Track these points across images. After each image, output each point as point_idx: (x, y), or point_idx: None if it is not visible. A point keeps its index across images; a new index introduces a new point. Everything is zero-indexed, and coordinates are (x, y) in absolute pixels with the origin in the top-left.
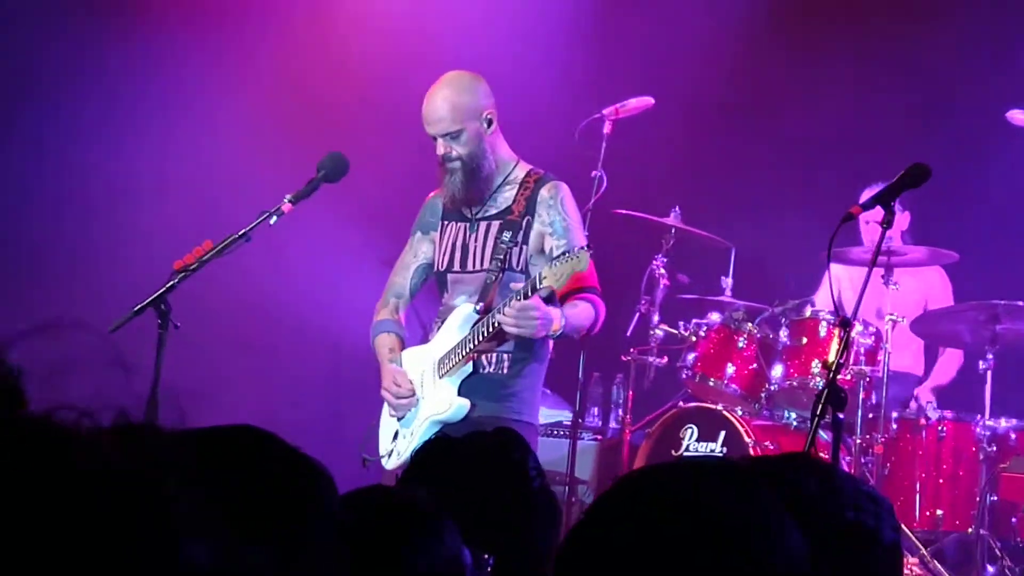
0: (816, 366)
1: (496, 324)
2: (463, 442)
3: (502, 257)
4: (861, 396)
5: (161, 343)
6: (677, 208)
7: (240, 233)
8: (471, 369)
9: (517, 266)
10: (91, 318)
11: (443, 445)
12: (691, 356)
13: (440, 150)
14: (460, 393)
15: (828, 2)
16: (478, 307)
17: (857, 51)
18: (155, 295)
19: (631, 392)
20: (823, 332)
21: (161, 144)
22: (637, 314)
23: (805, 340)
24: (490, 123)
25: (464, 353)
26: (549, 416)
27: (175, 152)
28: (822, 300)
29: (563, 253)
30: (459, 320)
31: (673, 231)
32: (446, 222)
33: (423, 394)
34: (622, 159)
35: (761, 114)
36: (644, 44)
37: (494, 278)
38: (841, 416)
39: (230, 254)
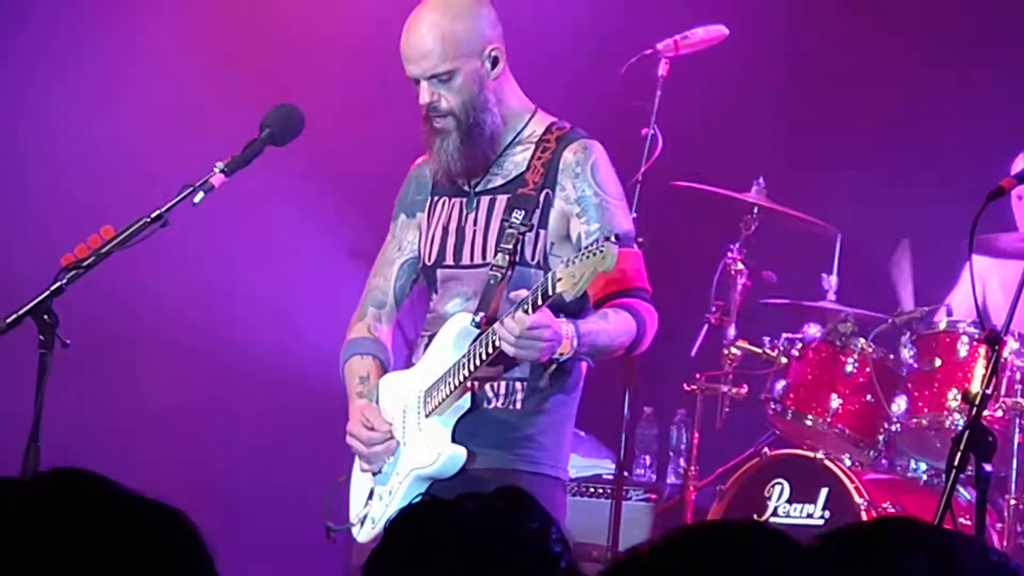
0: (954, 398)
1: (485, 354)
2: (457, 507)
3: (511, 246)
4: (1017, 440)
5: (44, 367)
6: (761, 180)
7: (153, 215)
8: (468, 404)
9: (532, 259)
10: None
11: (429, 511)
12: (780, 384)
13: (424, 98)
14: (455, 438)
15: None
16: (477, 317)
17: None
18: (34, 301)
19: (697, 434)
20: (963, 351)
21: (48, 97)
22: (705, 326)
23: (938, 362)
24: (495, 62)
25: (458, 382)
26: (583, 467)
27: (69, 108)
28: (961, 306)
29: (587, 247)
30: (451, 336)
31: (756, 211)
32: (436, 198)
33: (405, 439)
34: (684, 112)
35: (878, 51)
36: None
37: (500, 276)
38: (989, 468)
39: (138, 244)
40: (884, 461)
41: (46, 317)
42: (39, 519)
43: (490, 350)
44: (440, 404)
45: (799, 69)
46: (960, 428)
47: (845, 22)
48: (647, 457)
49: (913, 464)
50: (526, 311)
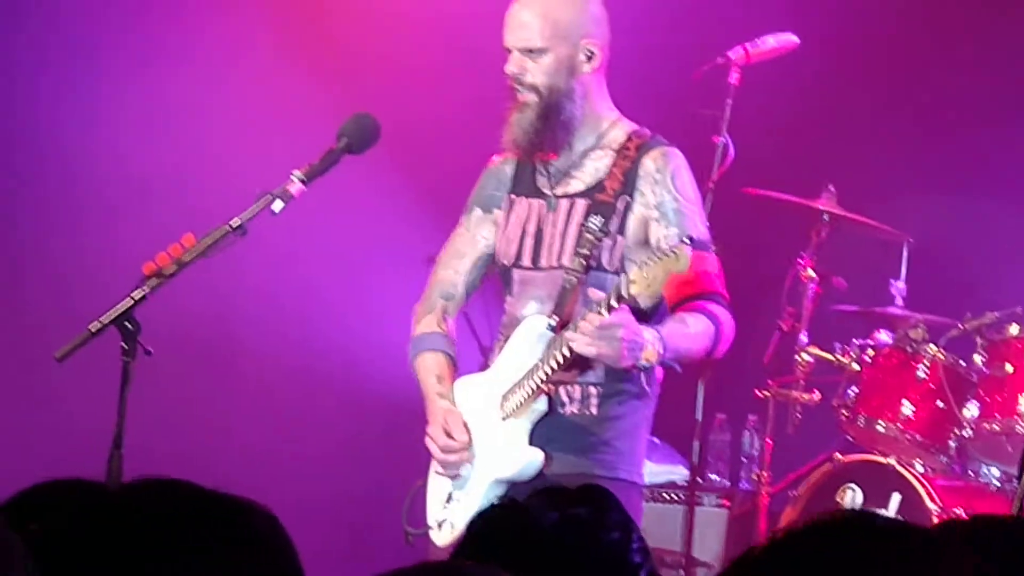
0: None
1: (562, 358)
2: (538, 513)
3: (587, 251)
4: None
5: (126, 374)
6: (831, 187)
7: (233, 224)
8: (546, 408)
9: (609, 264)
10: (40, 340)
11: (510, 516)
12: (852, 390)
13: (511, 67)
14: (532, 441)
15: None
16: (552, 321)
17: None
18: (118, 310)
19: (770, 440)
20: None
21: (131, 110)
22: (777, 333)
23: (1010, 368)
24: (590, 57)
25: (534, 385)
26: (657, 474)
27: (149, 116)
28: None
29: (660, 249)
30: (528, 338)
31: (826, 218)
32: (515, 196)
33: (482, 443)
34: (755, 120)
35: (947, 56)
36: None
37: (575, 280)
38: None
39: (220, 253)
40: (956, 467)
41: (128, 325)
42: (132, 527)
43: (566, 354)
44: (517, 407)
45: (869, 77)
46: None
47: (918, 31)
48: (720, 463)
49: (985, 469)
50: (599, 313)
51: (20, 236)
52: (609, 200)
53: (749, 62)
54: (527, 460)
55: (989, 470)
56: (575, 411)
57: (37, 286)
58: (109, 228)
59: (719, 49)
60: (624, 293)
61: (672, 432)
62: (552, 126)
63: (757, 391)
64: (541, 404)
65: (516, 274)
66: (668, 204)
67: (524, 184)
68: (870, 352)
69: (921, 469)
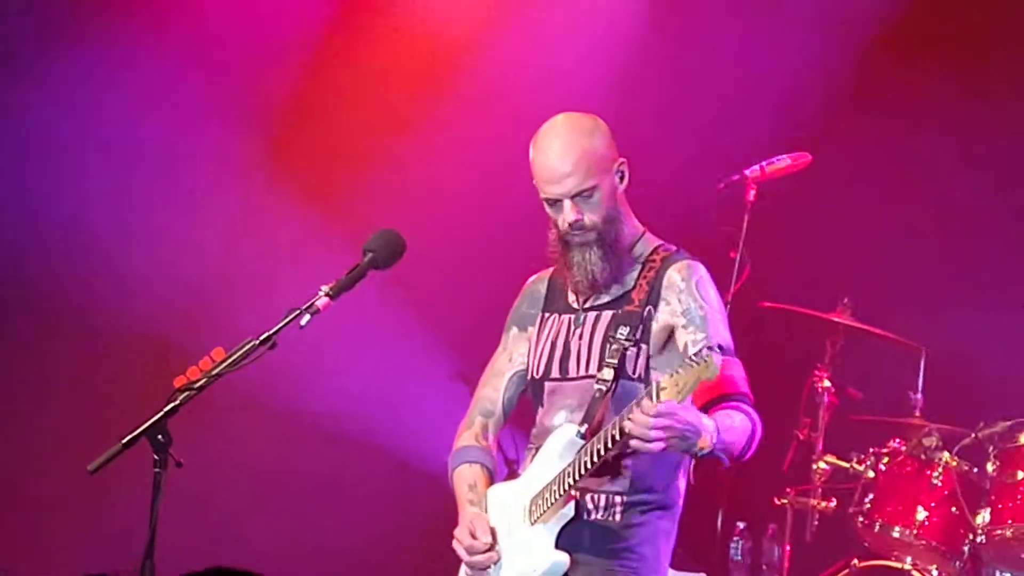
0: None
1: (603, 448)
2: None
3: (616, 361)
4: None
5: (158, 485)
6: (847, 300)
7: (261, 338)
8: (572, 513)
9: (634, 372)
10: (72, 451)
11: None
12: (868, 497)
13: (571, 216)
14: (559, 545)
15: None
16: (583, 428)
17: None
18: (149, 422)
19: (789, 547)
20: None
21: (157, 223)
22: (794, 442)
23: (1021, 475)
24: (623, 177)
25: (563, 490)
26: None
27: (180, 234)
28: None
29: (690, 356)
30: (559, 447)
31: (842, 330)
32: (547, 314)
33: (511, 547)
34: (771, 235)
35: (957, 173)
36: (797, 88)
37: (605, 389)
38: None
39: (249, 366)
40: (969, 572)
41: (160, 437)
42: None
43: (594, 459)
44: (545, 512)
45: (883, 194)
46: None
47: (929, 150)
48: (740, 572)
49: (998, 574)
50: (651, 401)
51: (58, 345)
52: (636, 310)
53: (765, 178)
54: (553, 562)
55: (1002, 575)
56: (600, 517)
57: (76, 393)
58: (143, 341)
59: (737, 166)
60: (655, 399)
61: (694, 540)
62: (618, 252)
63: (776, 499)
64: (568, 510)
65: (547, 386)
66: (694, 311)
67: (556, 302)
68: (885, 460)
69: (936, 573)
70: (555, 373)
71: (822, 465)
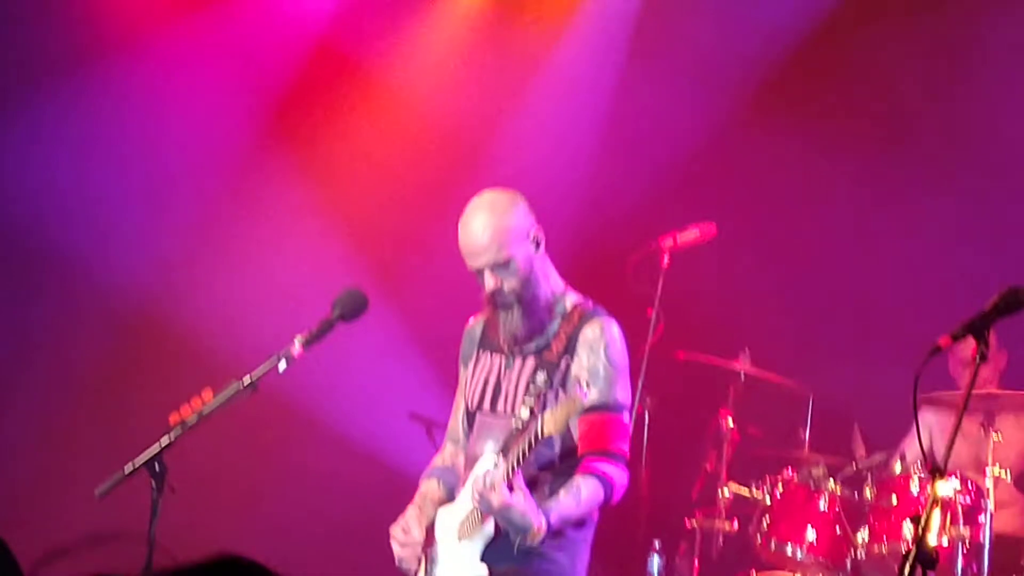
0: (908, 528)
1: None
2: None
3: (533, 402)
4: (960, 564)
5: (155, 510)
6: (747, 350)
7: (245, 383)
8: (492, 531)
9: None
10: (82, 478)
11: None
12: (765, 520)
13: (489, 285)
14: (484, 558)
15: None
16: (500, 459)
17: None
18: (148, 454)
19: (697, 562)
20: (915, 490)
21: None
22: (703, 472)
23: (895, 499)
24: (538, 244)
25: (481, 513)
26: None
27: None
28: (913, 452)
29: (565, 397)
30: (494, 473)
31: (742, 376)
32: (482, 351)
33: (446, 559)
34: (682, 296)
35: (838, 237)
36: (704, 163)
37: (522, 427)
38: None
39: (232, 405)
40: None
41: (157, 467)
42: None
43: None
44: (468, 530)
45: (779, 259)
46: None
47: (814, 214)
48: None
49: None
50: (519, 460)
51: (77, 371)
52: (554, 360)
53: (676, 247)
54: (474, 574)
55: None
56: (517, 540)
57: (88, 419)
58: (141, 383)
59: (651, 236)
60: (541, 434)
61: (615, 557)
62: (536, 313)
63: (686, 521)
64: (488, 528)
65: (478, 418)
66: (598, 370)
67: (489, 341)
68: (780, 487)
69: None
70: (486, 407)
71: (726, 492)
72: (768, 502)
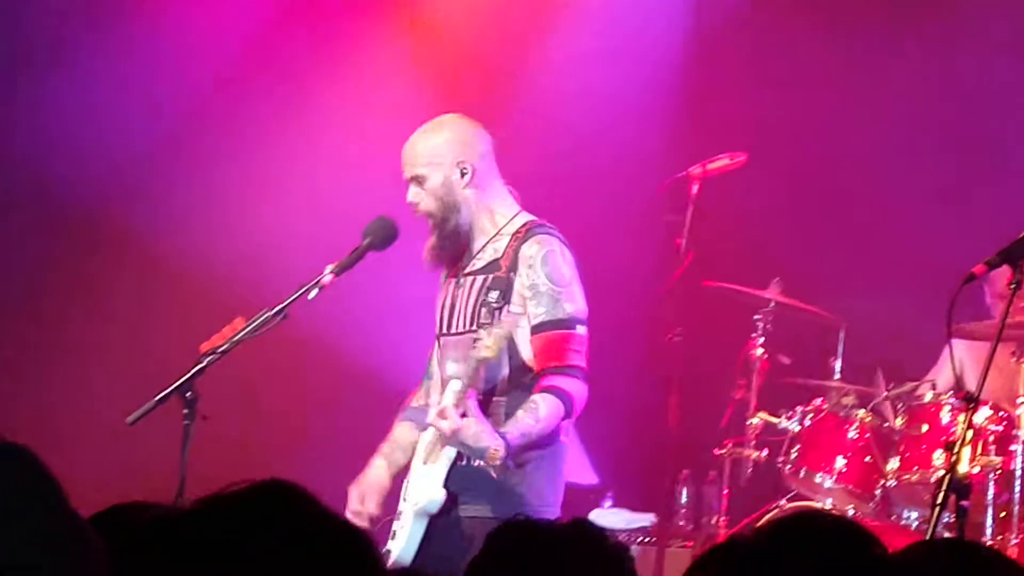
0: (939, 457)
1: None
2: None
3: (489, 321)
4: (991, 492)
5: (187, 435)
6: (777, 279)
7: (275, 309)
8: (454, 455)
9: None
10: (110, 405)
11: (521, 530)
12: (795, 448)
13: (408, 196)
14: (449, 484)
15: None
16: (465, 381)
17: None
18: (179, 381)
19: (727, 491)
20: (946, 418)
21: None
22: (732, 401)
23: (926, 428)
24: (465, 174)
25: (441, 439)
26: (633, 521)
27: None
28: (943, 381)
29: (498, 322)
30: (447, 396)
31: (773, 306)
32: (443, 278)
33: (415, 479)
34: (712, 225)
35: (870, 168)
36: (736, 93)
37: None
38: (966, 504)
39: (265, 334)
40: (881, 511)
41: (189, 395)
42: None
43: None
44: (431, 454)
45: (814, 187)
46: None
47: (845, 144)
48: (686, 511)
49: (906, 513)
50: (469, 384)
51: (102, 306)
52: (503, 275)
53: (706, 175)
54: (430, 498)
55: (909, 513)
56: (481, 463)
57: (114, 352)
58: (173, 311)
59: (681, 165)
60: (480, 356)
61: (645, 486)
62: (450, 238)
63: (716, 450)
64: (449, 452)
65: (442, 340)
66: (539, 287)
67: (451, 269)
68: (809, 416)
69: (852, 513)
70: (446, 329)
71: (755, 421)
72: (797, 431)
